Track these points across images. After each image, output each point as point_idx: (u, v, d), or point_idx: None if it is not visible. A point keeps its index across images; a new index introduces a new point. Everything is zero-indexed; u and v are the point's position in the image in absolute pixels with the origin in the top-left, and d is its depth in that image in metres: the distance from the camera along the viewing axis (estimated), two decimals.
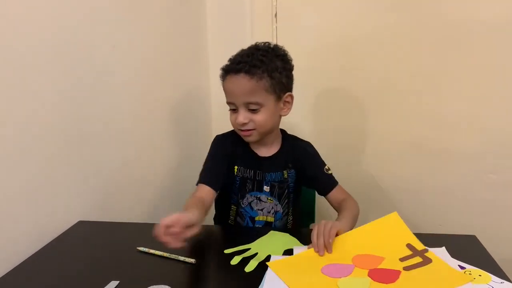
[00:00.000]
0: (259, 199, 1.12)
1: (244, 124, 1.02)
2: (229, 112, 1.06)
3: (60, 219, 0.97)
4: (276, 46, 1.08)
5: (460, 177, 1.54)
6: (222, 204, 1.17)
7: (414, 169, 1.59)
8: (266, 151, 1.12)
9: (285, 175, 1.12)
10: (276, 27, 1.59)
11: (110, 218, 1.08)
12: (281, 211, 1.14)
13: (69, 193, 1.00)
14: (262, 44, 1.07)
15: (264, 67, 1.00)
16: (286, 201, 1.14)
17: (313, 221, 1.40)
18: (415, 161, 1.58)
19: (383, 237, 0.86)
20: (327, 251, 0.83)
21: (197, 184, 1.08)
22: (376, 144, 1.61)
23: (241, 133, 1.06)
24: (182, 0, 1.51)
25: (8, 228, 0.84)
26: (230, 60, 1.05)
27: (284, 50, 1.08)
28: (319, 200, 1.65)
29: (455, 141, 1.52)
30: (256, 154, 1.11)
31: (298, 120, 1.64)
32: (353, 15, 1.52)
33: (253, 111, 1.01)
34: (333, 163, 1.66)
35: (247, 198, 1.12)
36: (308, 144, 1.18)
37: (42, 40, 0.89)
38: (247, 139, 1.07)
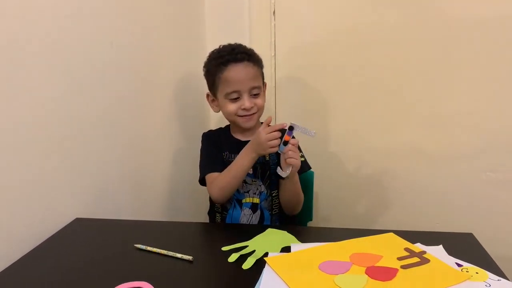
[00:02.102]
0: (245, 182, 1.17)
1: (250, 108, 1.12)
2: (228, 102, 1.13)
3: (57, 216, 0.97)
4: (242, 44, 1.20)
5: (458, 175, 1.54)
6: None
7: (412, 167, 1.59)
8: (248, 136, 1.18)
9: (267, 157, 1.18)
10: (275, 24, 1.59)
11: (108, 216, 1.08)
12: (265, 191, 1.19)
13: (66, 190, 1.00)
14: (233, 43, 1.18)
15: (256, 57, 1.17)
16: (268, 181, 1.19)
17: (311, 219, 1.40)
18: (413, 160, 1.58)
19: (381, 243, 0.87)
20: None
21: (203, 177, 1.17)
22: (373, 142, 1.61)
23: (243, 119, 1.14)
24: None
25: (5, 225, 0.84)
26: (218, 54, 1.15)
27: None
28: (319, 199, 1.66)
29: (453, 140, 1.52)
30: (238, 140, 1.19)
31: (297, 116, 1.65)
32: (352, 12, 1.52)
33: (255, 96, 1.13)
34: (332, 161, 1.68)
35: None
36: None
37: (39, 37, 0.89)
38: (247, 124, 1.15)
